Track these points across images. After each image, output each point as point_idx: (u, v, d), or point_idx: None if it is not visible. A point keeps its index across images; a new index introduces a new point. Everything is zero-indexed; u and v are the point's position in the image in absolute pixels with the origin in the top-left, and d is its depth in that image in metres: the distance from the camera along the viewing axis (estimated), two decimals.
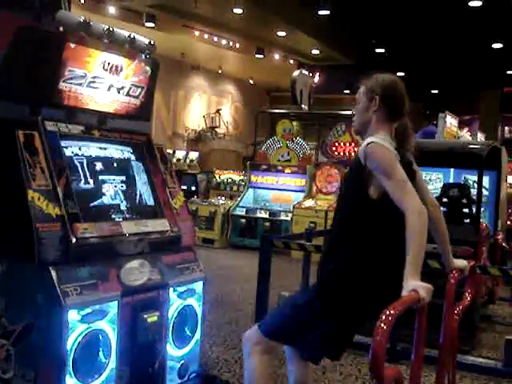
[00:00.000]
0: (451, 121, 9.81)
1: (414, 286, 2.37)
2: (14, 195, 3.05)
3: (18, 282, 3.06)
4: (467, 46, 18.67)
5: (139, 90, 3.78)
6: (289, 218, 11.46)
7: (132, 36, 3.61)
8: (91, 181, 3.40)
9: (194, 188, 15.39)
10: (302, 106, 12.90)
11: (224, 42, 18.34)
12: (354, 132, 3.13)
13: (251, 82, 24.88)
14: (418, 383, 2.37)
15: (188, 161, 19.50)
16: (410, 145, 2.92)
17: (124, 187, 3.60)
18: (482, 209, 6.33)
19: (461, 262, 3.12)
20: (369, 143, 2.73)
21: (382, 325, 1.85)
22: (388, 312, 1.92)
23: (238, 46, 18.81)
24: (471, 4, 14.93)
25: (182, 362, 3.74)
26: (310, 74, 13.90)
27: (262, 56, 19.45)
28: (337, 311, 2.83)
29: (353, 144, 11.83)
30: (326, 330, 2.86)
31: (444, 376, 2.99)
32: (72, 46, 3.26)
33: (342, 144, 12.08)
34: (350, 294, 2.80)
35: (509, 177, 8.22)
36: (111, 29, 3.47)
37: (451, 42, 18.39)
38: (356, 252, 2.80)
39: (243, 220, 11.95)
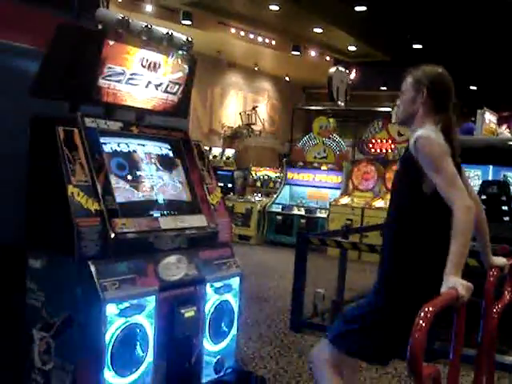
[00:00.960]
0: (490, 117, 9.68)
1: (453, 283, 2.36)
2: (55, 190, 3.09)
3: (58, 276, 3.11)
4: (506, 40, 18.34)
5: (177, 86, 3.81)
6: (325, 215, 11.42)
7: (170, 33, 3.63)
8: (129, 177, 3.43)
9: (230, 185, 15.42)
10: (339, 102, 12.83)
11: (260, 39, 18.32)
12: (398, 122, 3.09)
13: (287, 78, 24.81)
14: (457, 382, 2.35)
15: (224, 158, 19.54)
16: (455, 140, 2.85)
17: (162, 183, 3.62)
18: None
19: (500, 260, 3.07)
20: (419, 136, 2.69)
21: (421, 322, 1.83)
22: (426, 309, 1.91)
23: (273, 43, 18.78)
24: None
25: (218, 357, 3.75)
26: (347, 71, 13.80)
27: (298, 53, 19.38)
28: (395, 309, 2.76)
29: (390, 141, 11.74)
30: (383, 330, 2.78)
31: (482, 376, 2.95)
32: (111, 43, 3.29)
33: (378, 141, 11.99)
34: (407, 292, 2.73)
35: None
36: (149, 26, 3.49)
37: (489, 36, 18.08)
38: (412, 249, 2.75)
39: (279, 217, 11.95)
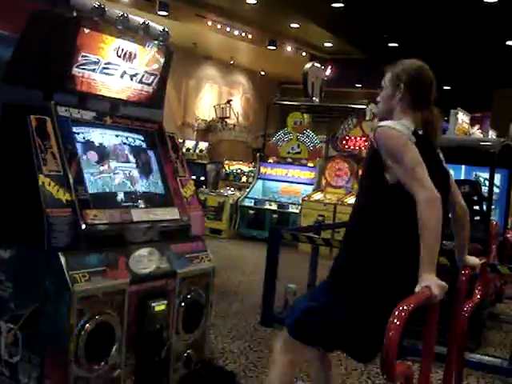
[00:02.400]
0: (463, 117, 9.75)
1: (427, 282, 2.34)
2: (25, 180, 3.04)
3: (27, 266, 3.05)
4: (481, 42, 18.52)
5: (152, 77, 3.77)
6: (297, 211, 11.44)
7: (146, 23, 3.59)
8: (102, 167, 3.38)
9: (202, 178, 15.37)
10: (314, 98, 12.84)
11: (236, 32, 18.28)
12: (378, 119, 3.02)
13: (263, 73, 24.82)
14: (428, 380, 2.35)
15: (197, 151, 19.48)
16: (436, 135, 2.80)
17: (135, 175, 3.59)
18: (493, 206, 6.28)
19: (472, 259, 3.09)
20: (378, 126, 2.65)
21: (395, 320, 1.83)
22: (401, 307, 1.90)
23: (250, 36, 18.75)
24: (487, 0, 14.80)
25: (189, 351, 3.73)
26: (322, 67, 13.82)
27: (274, 48, 19.38)
28: (350, 301, 2.67)
29: (363, 138, 11.78)
30: (339, 319, 2.69)
31: (452, 373, 2.97)
32: (86, 31, 3.24)
33: (352, 138, 12.03)
34: (365, 283, 2.65)
35: None
36: (125, 15, 3.45)
37: (465, 38, 18.24)
38: (374, 241, 2.66)
39: (251, 211, 11.94)
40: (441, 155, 2.88)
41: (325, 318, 2.71)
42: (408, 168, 2.49)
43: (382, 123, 2.66)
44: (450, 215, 2.95)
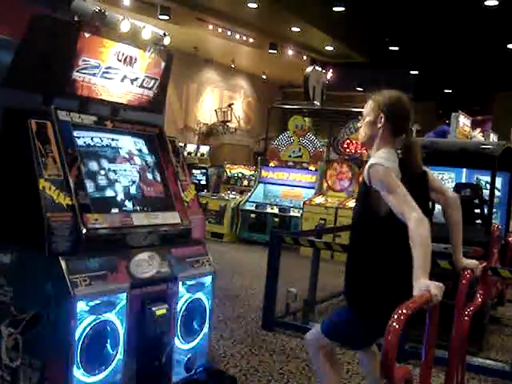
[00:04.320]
0: (464, 121, 9.74)
1: (425, 285, 2.40)
2: (26, 184, 3.04)
3: (28, 271, 3.06)
4: (482, 45, 18.53)
5: (153, 81, 3.77)
6: (298, 215, 11.42)
7: (147, 27, 3.60)
8: (103, 172, 3.38)
9: (204, 182, 15.39)
10: (315, 102, 12.86)
11: (237, 36, 18.30)
12: (361, 143, 3.33)
13: (264, 77, 24.84)
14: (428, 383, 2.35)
15: (199, 154, 19.52)
16: (415, 159, 3.03)
17: (135, 179, 3.59)
18: (494, 210, 6.28)
19: (472, 263, 3.11)
20: (371, 165, 2.86)
21: (394, 324, 1.82)
22: (400, 311, 1.90)
23: (251, 40, 18.77)
24: (487, 3, 14.81)
25: (189, 355, 3.73)
26: (323, 71, 13.83)
27: (275, 51, 19.39)
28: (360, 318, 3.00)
29: None
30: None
31: (453, 377, 2.96)
32: (86, 35, 3.24)
33: (353, 141, 12.02)
34: (371, 300, 2.93)
35: None
36: (126, 19, 3.45)
37: (466, 41, 18.26)
38: (373, 264, 2.94)
39: (253, 215, 11.92)
40: (429, 174, 3.16)
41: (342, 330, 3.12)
42: (400, 195, 2.74)
43: (373, 161, 2.88)
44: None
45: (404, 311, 1.92)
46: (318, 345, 3.22)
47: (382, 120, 3.01)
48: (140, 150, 3.73)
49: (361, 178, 3.30)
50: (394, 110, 3.02)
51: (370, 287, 2.93)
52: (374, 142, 3.06)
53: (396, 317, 1.87)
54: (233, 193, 13.32)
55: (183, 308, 3.64)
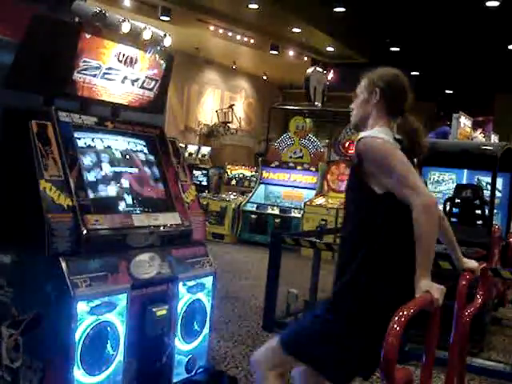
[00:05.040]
0: (465, 121, 9.75)
1: (427, 287, 2.33)
2: (26, 185, 3.04)
3: (28, 272, 3.06)
4: (483, 46, 18.53)
5: (153, 82, 3.77)
6: (299, 215, 11.42)
7: (148, 28, 3.60)
8: (103, 172, 3.38)
9: (205, 183, 15.38)
10: (316, 103, 12.85)
11: (238, 37, 18.29)
12: (352, 127, 2.94)
13: (265, 78, 24.82)
14: None
15: (200, 155, 19.50)
16: (421, 147, 2.73)
17: (136, 180, 3.59)
18: (495, 211, 6.28)
19: (471, 263, 3.06)
20: (361, 138, 2.56)
21: (395, 326, 1.82)
22: (401, 313, 1.89)
23: (252, 41, 18.76)
24: (488, 4, 14.81)
25: (190, 356, 3.73)
26: (324, 72, 13.82)
27: (276, 52, 19.38)
28: (352, 329, 2.54)
29: None
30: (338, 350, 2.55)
31: (453, 378, 2.96)
32: (87, 36, 3.25)
33: (354, 142, 11.99)
34: (365, 306, 2.54)
35: None
36: (127, 20, 3.45)
37: (467, 41, 18.26)
38: (371, 258, 2.55)
39: (254, 216, 11.92)
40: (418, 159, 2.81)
41: (320, 339, 2.61)
42: (399, 177, 2.44)
43: (364, 134, 2.59)
44: None
45: (405, 313, 1.91)
46: (268, 364, 2.70)
47: (377, 96, 2.69)
48: (141, 151, 3.73)
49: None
50: (390, 84, 2.70)
51: (363, 288, 2.55)
52: (367, 124, 2.71)
53: (397, 318, 1.86)
54: (234, 194, 13.32)
55: (184, 309, 3.64)
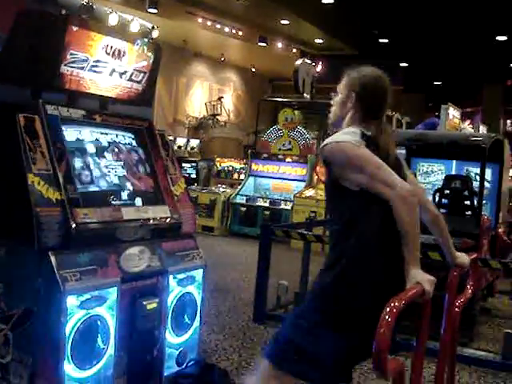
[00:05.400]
0: (453, 113, 9.79)
1: (418, 278, 2.32)
2: (14, 179, 3.02)
3: (17, 266, 3.04)
4: (471, 38, 18.57)
5: (141, 75, 3.75)
6: (289, 207, 11.43)
7: (135, 20, 3.58)
8: (92, 166, 3.37)
9: (194, 175, 15.35)
10: (304, 94, 12.82)
11: (227, 29, 18.23)
12: (330, 124, 2.86)
13: (253, 70, 24.76)
14: (421, 375, 2.35)
15: (189, 148, 19.45)
16: (385, 150, 2.61)
17: (125, 173, 3.57)
18: (484, 201, 6.30)
19: (463, 258, 3.03)
20: (324, 145, 2.54)
21: (387, 317, 1.82)
22: (392, 304, 1.89)
23: (240, 33, 18.70)
24: None
25: (181, 349, 3.73)
26: (313, 64, 13.79)
27: (264, 44, 19.33)
28: (339, 324, 2.47)
29: None
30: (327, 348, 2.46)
31: (444, 368, 2.97)
32: (74, 29, 3.22)
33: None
34: (351, 300, 2.48)
35: (511, 170, 8.17)
36: (114, 12, 3.43)
37: (455, 33, 18.30)
38: (354, 252, 2.51)
39: (243, 208, 11.93)
40: (402, 161, 2.77)
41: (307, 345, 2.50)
42: (370, 175, 2.44)
43: (328, 140, 2.55)
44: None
45: (396, 304, 1.91)
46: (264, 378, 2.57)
47: (353, 99, 2.64)
48: (129, 144, 3.71)
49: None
50: (367, 89, 2.64)
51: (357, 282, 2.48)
52: (343, 124, 2.67)
53: (388, 310, 1.86)
54: (223, 186, 13.30)
55: (174, 302, 3.64)
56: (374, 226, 2.51)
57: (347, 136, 2.54)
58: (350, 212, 2.56)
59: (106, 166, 3.46)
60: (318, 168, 11.71)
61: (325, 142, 2.56)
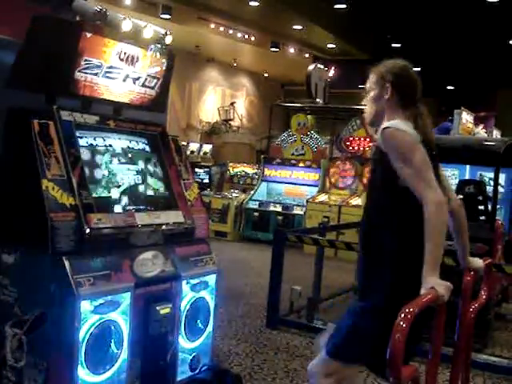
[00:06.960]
0: (467, 117, 9.73)
1: (432, 283, 2.31)
2: (29, 184, 3.04)
3: (32, 271, 3.05)
4: (484, 42, 18.50)
5: (155, 80, 3.76)
6: (302, 212, 11.42)
7: (148, 26, 3.59)
8: (106, 171, 3.38)
9: (207, 180, 15.36)
10: (317, 100, 12.83)
11: (239, 34, 18.28)
12: (368, 123, 2.96)
13: (266, 75, 24.81)
14: (435, 382, 2.33)
15: (202, 153, 19.48)
16: (429, 133, 2.70)
17: (138, 178, 3.58)
18: (498, 206, 6.26)
19: (477, 263, 3.02)
20: (384, 128, 2.57)
21: (401, 323, 1.81)
22: (407, 310, 1.88)
23: (253, 39, 18.75)
24: None
25: (194, 354, 3.72)
26: (325, 69, 13.80)
27: (277, 49, 19.37)
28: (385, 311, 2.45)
29: (368, 139, 11.75)
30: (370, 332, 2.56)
31: (458, 374, 2.95)
32: (88, 35, 3.24)
33: (356, 139, 12.00)
34: (393, 299, 2.47)
35: None
36: (128, 19, 3.45)
37: (468, 37, 18.22)
38: (397, 249, 2.58)
39: (256, 213, 11.92)
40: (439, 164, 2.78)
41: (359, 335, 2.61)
42: (416, 169, 2.46)
43: (388, 124, 2.59)
44: None
45: (411, 310, 1.90)
46: (322, 373, 2.71)
47: (389, 90, 2.69)
48: (143, 150, 3.73)
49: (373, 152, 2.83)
50: (400, 77, 2.71)
51: (392, 275, 2.56)
52: (383, 120, 2.70)
53: (403, 316, 1.85)
54: (236, 191, 13.30)
55: (187, 307, 3.64)
56: (420, 223, 2.47)
57: (406, 127, 2.57)
58: (398, 209, 2.59)
59: (120, 172, 3.47)
60: (330, 173, 11.68)
61: (385, 125, 2.59)
